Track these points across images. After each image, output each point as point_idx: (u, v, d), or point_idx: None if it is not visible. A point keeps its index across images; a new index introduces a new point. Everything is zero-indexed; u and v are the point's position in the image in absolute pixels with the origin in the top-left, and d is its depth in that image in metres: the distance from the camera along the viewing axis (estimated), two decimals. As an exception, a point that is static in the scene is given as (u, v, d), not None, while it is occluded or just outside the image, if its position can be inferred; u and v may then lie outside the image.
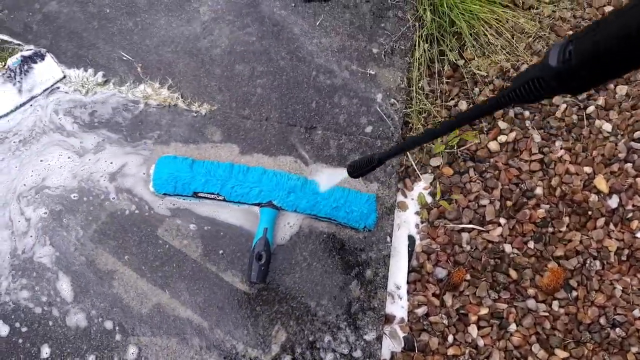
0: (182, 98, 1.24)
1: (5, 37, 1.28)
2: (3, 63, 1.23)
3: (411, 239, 1.26)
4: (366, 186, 1.22)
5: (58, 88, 1.22)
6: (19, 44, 1.27)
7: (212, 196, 1.14)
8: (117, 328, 1.06)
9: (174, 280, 1.10)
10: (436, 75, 1.35)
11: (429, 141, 0.82)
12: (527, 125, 1.38)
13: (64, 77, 1.22)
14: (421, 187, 1.30)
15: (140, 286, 1.09)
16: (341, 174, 1.00)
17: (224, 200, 1.15)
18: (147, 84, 1.23)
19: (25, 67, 1.22)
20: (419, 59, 1.31)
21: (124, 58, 1.24)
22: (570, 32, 1.47)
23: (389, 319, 1.18)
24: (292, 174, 1.19)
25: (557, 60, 0.47)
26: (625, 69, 0.43)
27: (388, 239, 1.18)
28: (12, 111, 1.19)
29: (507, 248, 1.28)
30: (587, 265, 1.29)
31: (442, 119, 1.34)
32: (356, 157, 1.24)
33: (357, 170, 0.94)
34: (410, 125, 1.32)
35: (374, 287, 1.15)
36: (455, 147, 1.32)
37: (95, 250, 1.10)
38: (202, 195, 1.14)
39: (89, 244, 1.10)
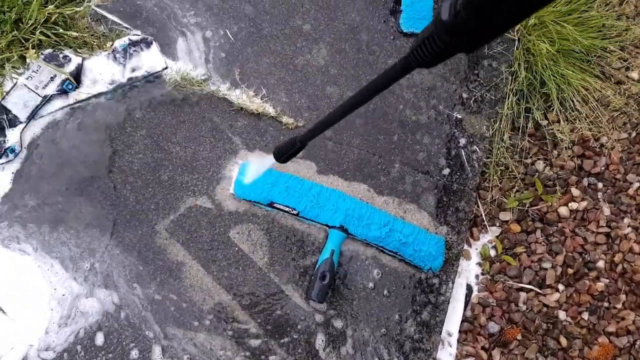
0: (272, 109, 1.27)
1: (116, 19, 1.33)
2: (111, 43, 1.28)
3: (469, 289, 1.26)
4: (435, 228, 1.23)
5: (159, 77, 1.26)
6: (127, 27, 1.32)
7: (288, 209, 1.16)
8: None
9: (237, 283, 1.12)
10: (519, 131, 1.37)
11: (349, 113, 0.76)
12: (598, 197, 1.38)
13: (166, 67, 1.27)
14: (487, 239, 1.30)
15: (206, 282, 1.11)
16: (269, 160, 0.95)
17: (298, 215, 1.17)
18: (242, 90, 1.27)
19: (132, 50, 1.27)
20: (507, 112, 1.32)
21: (225, 59, 1.29)
22: (655, 112, 1.47)
23: (436, 364, 1.18)
24: (365, 203, 1.21)
25: (449, 14, 0.45)
26: (514, 17, 0.42)
27: (450, 284, 1.19)
28: (112, 90, 1.24)
29: (562, 315, 1.27)
30: (636, 346, 1.27)
31: (519, 175, 1.35)
32: (430, 197, 1.25)
33: (283, 154, 0.89)
34: (487, 175, 1.33)
35: (428, 330, 1.15)
36: (528, 205, 1.33)
37: (169, 239, 1.13)
38: (277, 206, 1.16)
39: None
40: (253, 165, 1.13)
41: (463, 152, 1.28)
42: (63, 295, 1.07)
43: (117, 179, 1.16)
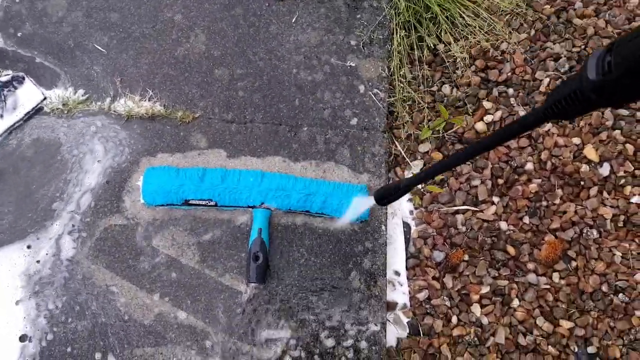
0: (164, 108, 1.23)
1: (-17, 64, 1.27)
2: (-18, 90, 1.23)
3: (406, 226, 1.26)
4: (356, 178, 1.22)
5: (41, 109, 1.22)
6: (-3, 70, 1.27)
7: (204, 202, 1.14)
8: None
9: (174, 289, 1.10)
10: (417, 61, 1.36)
11: (462, 163, 0.78)
12: (512, 102, 1.39)
13: (45, 98, 1.22)
14: (412, 174, 1.30)
15: (140, 297, 1.09)
16: (368, 202, 1.01)
17: (216, 205, 1.15)
18: (127, 98, 1.23)
19: (5, 92, 1.22)
20: (397, 47, 1.31)
21: (101, 73, 1.24)
22: (547, 6, 1.48)
23: (391, 306, 1.19)
24: (281, 174, 1.19)
25: (596, 72, 0.44)
26: None
27: (383, 227, 1.19)
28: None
29: (503, 225, 1.28)
30: (584, 234, 1.29)
31: (427, 104, 1.34)
32: (345, 150, 1.24)
33: (386, 198, 0.91)
34: (396, 113, 1.32)
35: (373, 276, 1.15)
36: (442, 131, 1.33)
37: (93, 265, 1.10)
38: (193, 202, 1.14)
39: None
40: (354, 207, 1.13)
41: (364, 99, 1.27)
42: None
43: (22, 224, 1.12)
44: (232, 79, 1.28)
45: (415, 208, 1.28)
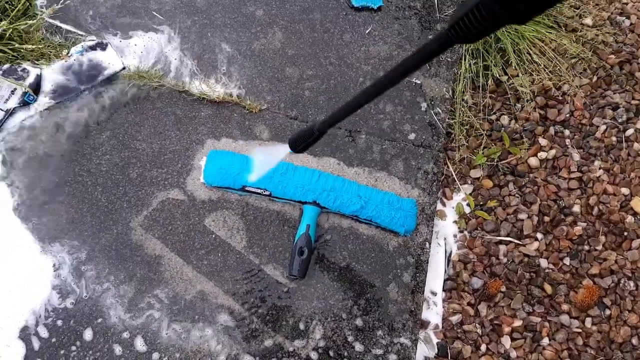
0: (235, 96, 1.28)
1: (70, 28, 1.34)
2: (67, 51, 1.30)
3: (448, 247, 1.27)
4: (407, 191, 1.25)
5: (117, 78, 1.27)
6: (81, 35, 1.33)
7: (260, 191, 1.18)
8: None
9: (219, 269, 1.13)
10: (480, 89, 1.38)
11: (370, 100, 0.71)
12: (567, 143, 1.40)
13: (124, 67, 1.28)
14: (460, 197, 1.32)
15: (185, 272, 1.12)
16: (283, 149, 0.92)
17: (270, 196, 1.18)
18: (202, 81, 1.29)
19: (88, 55, 1.28)
20: (464, 73, 1.34)
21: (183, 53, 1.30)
22: (612, 56, 1.50)
23: (423, 325, 1.20)
24: (336, 176, 1.22)
25: None
26: None
27: (427, 245, 1.20)
28: (73, 97, 1.25)
29: (543, 263, 1.28)
30: (621, 284, 1.29)
31: (485, 132, 1.36)
32: (399, 163, 1.27)
33: (300, 144, 0.86)
34: (453, 135, 1.35)
35: (411, 291, 1.16)
36: (497, 160, 1.34)
37: (145, 235, 1.14)
38: (250, 189, 1.18)
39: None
40: (263, 157, 1.07)
41: (425, 116, 1.30)
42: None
43: (87, 182, 1.17)
44: (301, 78, 1.33)
45: (460, 231, 1.29)
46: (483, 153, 1.33)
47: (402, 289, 1.16)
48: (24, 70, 1.24)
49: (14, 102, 1.22)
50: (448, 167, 1.32)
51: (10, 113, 1.21)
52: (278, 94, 1.31)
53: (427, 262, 1.19)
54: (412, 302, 1.16)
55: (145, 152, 1.21)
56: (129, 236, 1.14)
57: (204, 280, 1.12)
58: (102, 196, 1.16)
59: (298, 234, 1.16)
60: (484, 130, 1.36)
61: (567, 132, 1.42)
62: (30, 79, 1.23)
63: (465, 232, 1.29)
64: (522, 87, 1.40)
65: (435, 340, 1.19)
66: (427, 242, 1.20)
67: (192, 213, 1.17)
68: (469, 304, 1.24)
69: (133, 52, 1.32)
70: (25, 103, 1.22)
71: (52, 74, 1.26)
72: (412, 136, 1.30)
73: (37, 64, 1.27)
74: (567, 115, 1.43)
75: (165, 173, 1.20)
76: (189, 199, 1.18)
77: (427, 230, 1.22)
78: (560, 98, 1.44)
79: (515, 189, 1.35)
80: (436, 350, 1.18)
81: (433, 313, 1.21)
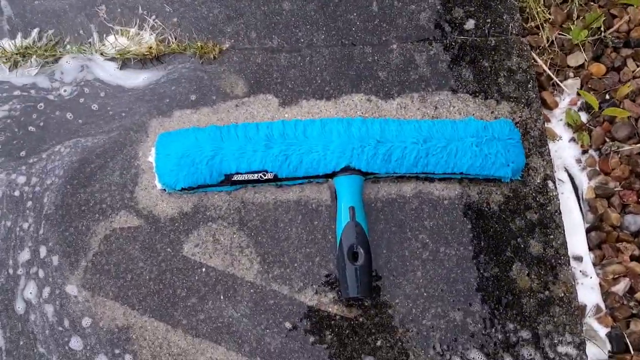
0: (175, 41, 0.80)
1: None
2: None
3: (575, 181, 0.80)
4: (490, 110, 0.76)
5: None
6: None
7: (256, 176, 0.70)
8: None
9: (226, 327, 0.67)
10: None
11: None
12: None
13: (-7, 49, 0.80)
14: (567, 101, 0.84)
15: (174, 341, 0.66)
16: None
17: (275, 180, 0.71)
18: (117, 33, 0.80)
19: None
20: None
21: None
22: None
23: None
24: (373, 119, 0.74)
25: None
26: None
27: (550, 184, 0.73)
28: None
29: None
30: None
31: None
32: (463, 70, 0.78)
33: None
34: (526, 11, 0.85)
35: (549, 267, 0.70)
36: (602, 31, 0.85)
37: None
38: (239, 179, 0.70)
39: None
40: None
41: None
42: None
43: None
44: (271, -13, 0.83)
45: (583, 152, 0.81)
46: (580, 24, 0.84)
47: (534, 266, 0.69)
48: None
49: None
50: (535, 60, 0.83)
51: None
52: (242, 20, 0.82)
53: (559, 213, 0.72)
54: (556, 284, 0.69)
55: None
56: (67, 309, 0.67)
57: (207, 346, 0.66)
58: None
59: (339, 228, 0.69)
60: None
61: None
62: None
63: (591, 151, 0.81)
64: None
65: (602, 332, 0.73)
66: (549, 181, 0.73)
67: (159, 242, 0.70)
68: (633, 257, 0.76)
69: None
70: None
71: None
72: (470, 24, 0.81)
73: None
74: None
75: (99, 191, 0.73)
76: (147, 221, 0.71)
77: (542, 163, 0.74)
78: None
79: (638, 66, 0.86)
80: (609, 346, 0.72)
81: (586, 289, 0.74)
